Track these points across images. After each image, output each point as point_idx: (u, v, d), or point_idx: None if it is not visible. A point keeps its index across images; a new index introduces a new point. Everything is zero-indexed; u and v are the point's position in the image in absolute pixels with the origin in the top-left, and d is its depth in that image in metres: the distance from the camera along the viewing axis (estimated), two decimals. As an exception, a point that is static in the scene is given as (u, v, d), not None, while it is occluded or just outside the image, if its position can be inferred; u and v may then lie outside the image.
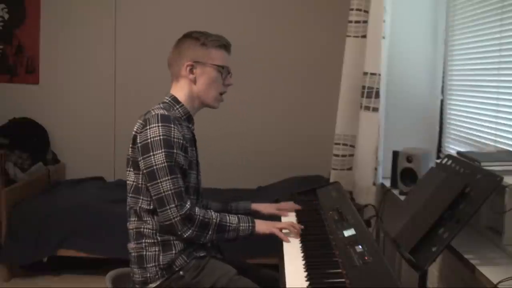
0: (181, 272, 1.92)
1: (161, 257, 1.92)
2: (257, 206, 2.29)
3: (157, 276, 1.92)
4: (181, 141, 1.92)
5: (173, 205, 1.86)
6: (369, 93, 2.69)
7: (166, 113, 1.94)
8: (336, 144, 2.91)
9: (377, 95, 2.67)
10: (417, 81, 2.97)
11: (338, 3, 3.89)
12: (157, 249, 1.93)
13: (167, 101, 2.05)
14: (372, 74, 2.68)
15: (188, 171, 1.98)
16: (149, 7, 4.42)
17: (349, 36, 2.83)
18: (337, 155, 2.91)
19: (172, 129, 1.90)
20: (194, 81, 2.04)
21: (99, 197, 3.84)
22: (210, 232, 1.92)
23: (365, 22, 2.76)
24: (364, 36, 2.76)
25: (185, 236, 1.89)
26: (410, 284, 2.46)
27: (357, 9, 2.78)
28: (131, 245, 1.99)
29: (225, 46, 2.08)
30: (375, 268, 1.58)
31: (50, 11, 4.42)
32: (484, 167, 1.83)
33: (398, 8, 2.84)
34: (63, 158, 4.48)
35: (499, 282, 1.50)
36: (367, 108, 2.71)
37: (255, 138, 4.46)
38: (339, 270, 1.64)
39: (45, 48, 4.44)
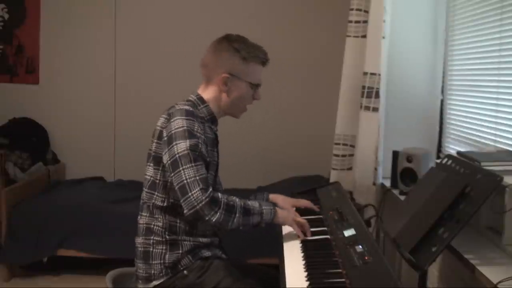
0: (185, 272, 1.93)
1: (167, 255, 1.93)
2: (275, 198, 2.26)
3: (161, 274, 1.93)
4: (202, 136, 1.91)
5: (197, 189, 1.77)
6: (369, 93, 2.69)
7: (191, 109, 1.94)
8: (336, 144, 2.91)
9: (377, 95, 2.67)
10: (417, 81, 2.97)
11: (338, 3, 3.88)
12: (164, 248, 1.94)
13: (193, 99, 2.05)
14: (372, 74, 2.68)
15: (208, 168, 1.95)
16: (149, 7, 4.42)
17: (349, 36, 2.83)
18: (337, 155, 2.91)
19: (195, 123, 1.90)
20: (225, 92, 2.04)
21: (99, 197, 3.84)
22: (237, 215, 1.84)
23: (365, 22, 2.76)
24: (364, 36, 2.76)
25: (213, 220, 1.78)
26: (410, 284, 2.46)
27: (357, 9, 2.78)
28: (139, 240, 1.99)
29: (264, 61, 2.07)
30: (375, 268, 1.58)
31: (50, 11, 4.42)
32: (484, 167, 1.82)
33: (398, 8, 2.84)
34: (63, 158, 4.48)
35: (499, 282, 1.50)
36: (367, 108, 2.70)
37: (255, 138, 4.46)
38: (339, 270, 1.64)
39: (45, 48, 4.44)
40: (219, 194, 1.84)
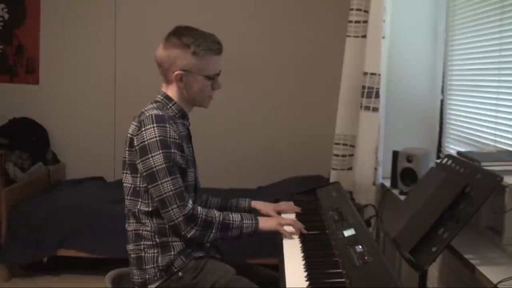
0: (180, 273, 1.92)
1: (159, 258, 1.92)
2: (257, 204, 2.27)
3: (156, 278, 1.92)
4: (178, 141, 1.92)
5: (175, 206, 1.86)
6: (369, 93, 2.69)
7: (160, 113, 1.92)
8: (336, 144, 2.92)
9: (377, 95, 2.68)
10: (417, 81, 2.98)
11: (338, 3, 3.89)
12: (156, 251, 1.93)
13: (160, 99, 2.03)
14: (372, 74, 2.68)
15: (187, 170, 1.98)
16: (149, 7, 4.42)
17: (349, 36, 2.83)
18: (337, 155, 2.91)
19: (168, 129, 1.89)
20: (183, 89, 2.01)
21: (99, 197, 3.84)
22: (213, 231, 1.92)
23: (365, 22, 2.76)
24: (364, 36, 2.76)
25: (189, 235, 1.89)
26: (410, 284, 2.46)
27: (357, 9, 2.78)
28: (130, 247, 1.99)
29: (217, 51, 2.01)
30: (375, 268, 1.58)
31: (50, 11, 4.42)
32: (484, 167, 1.83)
33: (398, 8, 2.85)
34: (63, 158, 4.48)
35: (499, 282, 1.50)
36: (367, 108, 2.71)
37: (255, 138, 4.46)
38: (339, 270, 1.64)
39: (45, 48, 4.44)
40: (198, 210, 1.90)
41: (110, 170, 4.47)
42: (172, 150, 1.89)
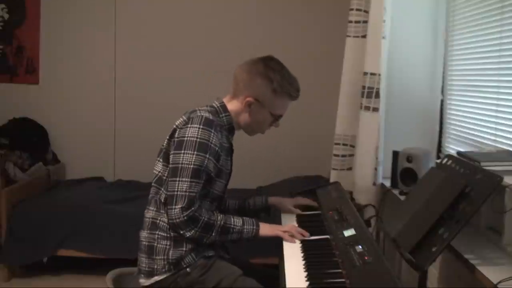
0: (188, 269, 1.94)
1: (171, 252, 1.94)
2: (274, 200, 2.31)
3: (164, 270, 1.94)
4: (216, 149, 1.94)
5: (179, 206, 1.86)
6: (369, 93, 2.69)
7: (211, 118, 1.96)
8: (336, 144, 2.92)
9: (377, 95, 2.67)
10: (417, 81, 2.98)
11: (338, 3, 3.88)
12: (168, 244, 1.95)
13: (216, 106, 2.06)
14: (372, 74, 2.68)
15: (216, 179, 2.00)
16: (150, 8, 4.42)
17: (349, 36, 2.83)
18: (337, 155, 2.91)
19: (212, 134, 1.92)
20: (246, 113, 2.06)
21: (99, 197, 3.84)
22: (213, 234, 1.93)
23: (365, 22, 2.76)
24: (364, 36, 2.76)
25: (188, 235, 1.90)
26: (410, 284, 2.46)
27: (357, 9, 2.78)
28: (144, 234, 2.01)
29: (294, 98, 2.10)
30: (375, 268, 1.58)
31: (50, 11, 4.42)
32: (484, 167, 1.83)
33: (398, 8, 2.84)
34: (63, 158, 4.48)
35: (499, 282, 1.50)
36: (367, 108, 2.71)
37: (255, 138, 4.44)
38: (339, 270, 1.64)
39: (45, 48, 4.44)
40: (202, 212, 1.91)
41: (110, 170, 4.47)
42: (207, 156, 1.91)
